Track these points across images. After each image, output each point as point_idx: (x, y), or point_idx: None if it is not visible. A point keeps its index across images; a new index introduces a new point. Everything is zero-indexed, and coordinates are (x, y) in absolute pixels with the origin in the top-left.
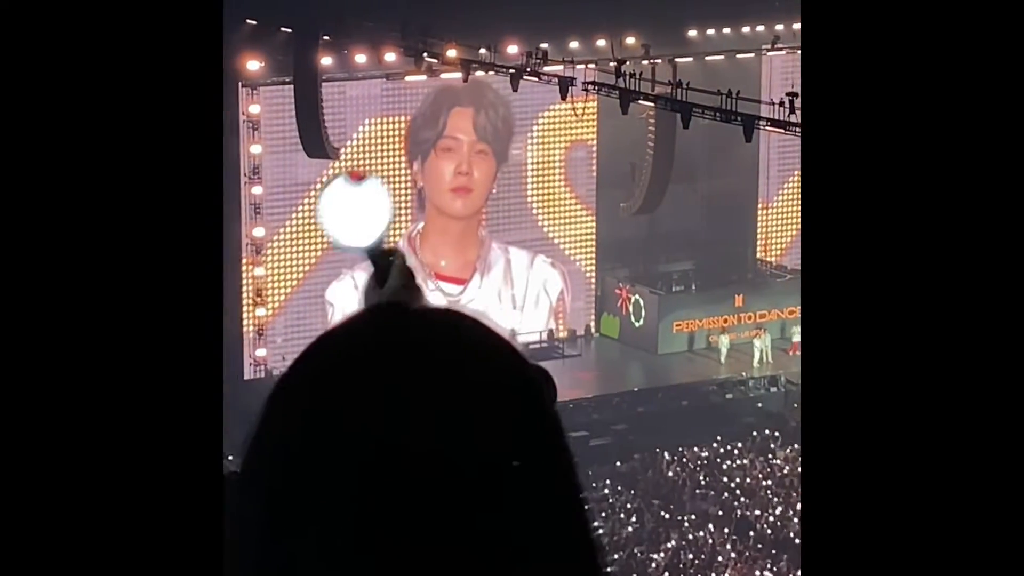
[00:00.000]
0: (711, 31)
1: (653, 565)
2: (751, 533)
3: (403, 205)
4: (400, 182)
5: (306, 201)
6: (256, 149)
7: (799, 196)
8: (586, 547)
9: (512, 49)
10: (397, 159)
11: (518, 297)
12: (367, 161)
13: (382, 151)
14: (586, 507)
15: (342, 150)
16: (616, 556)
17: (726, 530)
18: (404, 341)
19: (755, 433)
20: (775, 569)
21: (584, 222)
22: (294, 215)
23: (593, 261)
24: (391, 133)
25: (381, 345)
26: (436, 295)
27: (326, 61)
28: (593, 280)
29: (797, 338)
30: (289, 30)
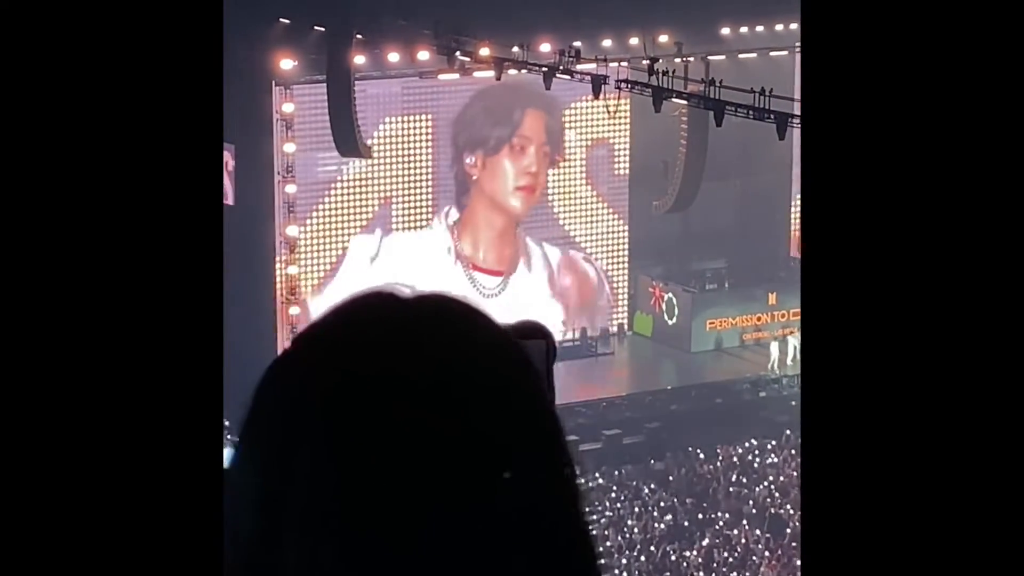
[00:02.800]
0: (744, 29)
1: (686, 563)
2: (786, 531)
3: (427, 197)
4: (421, 176)
5: (325, 200)
6: (290, 148)
7: None
8: (578, 540)
9: (545, 47)
10: (419, 156)
11: (551, 293)
12: (388, 159)
13: (403, 149)
14: (581, 501)
15: (373, 148)
16: (649, 554)
17: (759, 529)
18: (392, 328)
19: (789, 431)
20: None
21: (606, 220)
22: (313, 214)
23: (613, 258)
24: (414, 131)
25: (369, 334)
26: (472, 287)
27: (359, 60)
28: (610, 277)
29: None
30: (322, 29)
